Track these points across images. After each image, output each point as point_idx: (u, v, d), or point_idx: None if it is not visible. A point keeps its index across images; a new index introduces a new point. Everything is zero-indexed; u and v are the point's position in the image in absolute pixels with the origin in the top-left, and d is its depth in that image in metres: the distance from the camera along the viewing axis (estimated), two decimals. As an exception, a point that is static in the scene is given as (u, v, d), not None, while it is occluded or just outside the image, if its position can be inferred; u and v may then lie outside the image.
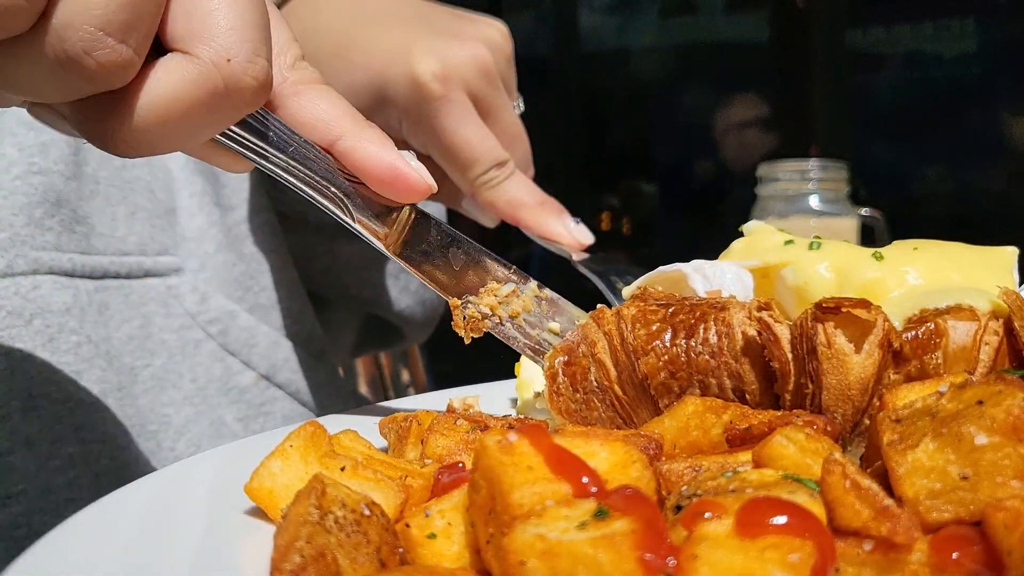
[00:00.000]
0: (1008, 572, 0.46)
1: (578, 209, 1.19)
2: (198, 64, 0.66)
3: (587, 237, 1.12)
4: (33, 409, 1.02)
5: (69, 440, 1.04)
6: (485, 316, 0.86)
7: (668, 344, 0.78)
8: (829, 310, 0.73)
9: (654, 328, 0.79)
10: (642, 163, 6.99)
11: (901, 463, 0.53)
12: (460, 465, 0.66)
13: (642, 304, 0.82)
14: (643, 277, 0.91)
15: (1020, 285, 0.82)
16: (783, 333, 0.75)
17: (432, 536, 0.56)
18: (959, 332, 0.73)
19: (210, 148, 0.76)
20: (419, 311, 1.61)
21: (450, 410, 0.91)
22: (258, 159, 0.78)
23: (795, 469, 0.56)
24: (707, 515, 0.49)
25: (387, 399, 1.42)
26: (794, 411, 0.70)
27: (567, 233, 1.11)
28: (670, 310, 0.80)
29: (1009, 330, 0.74)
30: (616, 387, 0.80)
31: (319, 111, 0.79)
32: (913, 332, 0.74)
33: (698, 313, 0.79)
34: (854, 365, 0.72)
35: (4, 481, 1.00)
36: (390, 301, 1.55)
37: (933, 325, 0.74)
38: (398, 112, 1.12)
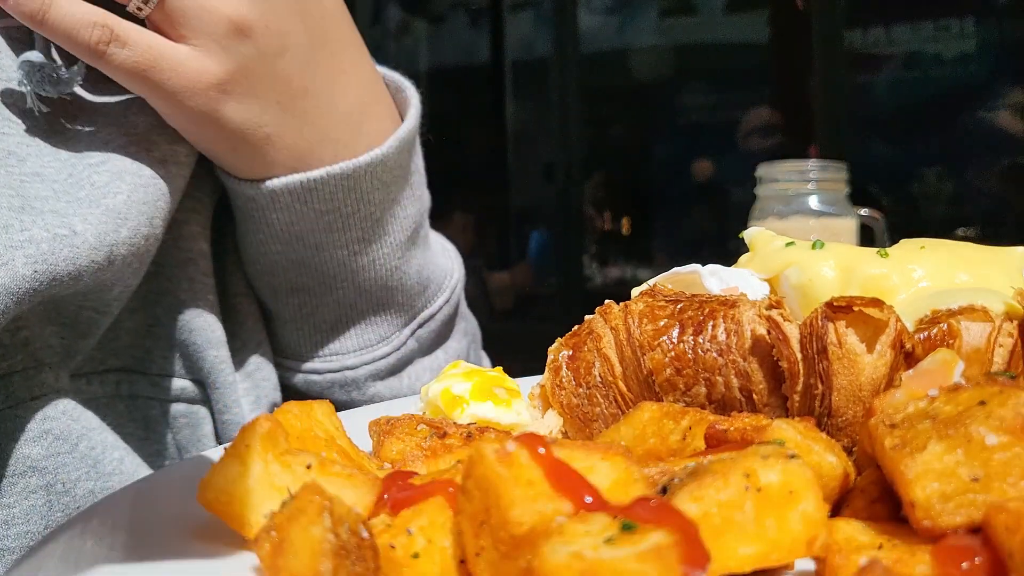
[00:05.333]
0: (1010, 575, 0.45)
1: (577, 209, 1.18)
2: None
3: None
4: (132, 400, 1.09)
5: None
6: None
7: (675, 340, 0.76)
8: (840, 309, 0.71)
9: (661, 324, 0.77)
10: (642, 163, 6.99)
11: (911, 467, 0.51)
12: (412, 474, 0.62)
13: (650, 300, 0.80)
14: (657, 277, 0.89)
15: None
16: (792, 332, 0.73)
17: (416, 556, 0.54)
18: (973, 334, 0.71)
19: None
20: None
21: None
22: None
23: None
24: None
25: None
26: (784, 420, 0.66)
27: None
28: (678, 306, 0.78)
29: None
30: (620, 383, 0.78)
31: None
32: (925, 333, 0.72)
33: (707, 310, 0.77)
34: (866, 365, 0.70)
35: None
36: None
37: (946, 326, 0.72)
38: None
